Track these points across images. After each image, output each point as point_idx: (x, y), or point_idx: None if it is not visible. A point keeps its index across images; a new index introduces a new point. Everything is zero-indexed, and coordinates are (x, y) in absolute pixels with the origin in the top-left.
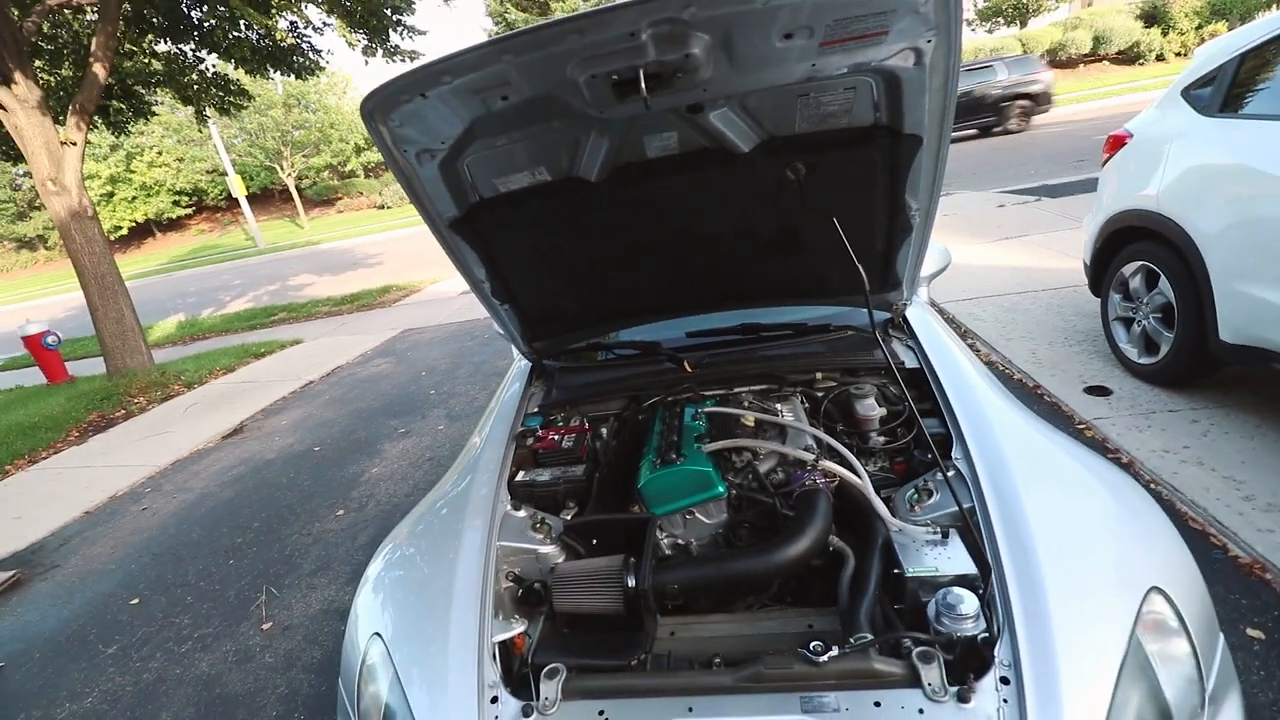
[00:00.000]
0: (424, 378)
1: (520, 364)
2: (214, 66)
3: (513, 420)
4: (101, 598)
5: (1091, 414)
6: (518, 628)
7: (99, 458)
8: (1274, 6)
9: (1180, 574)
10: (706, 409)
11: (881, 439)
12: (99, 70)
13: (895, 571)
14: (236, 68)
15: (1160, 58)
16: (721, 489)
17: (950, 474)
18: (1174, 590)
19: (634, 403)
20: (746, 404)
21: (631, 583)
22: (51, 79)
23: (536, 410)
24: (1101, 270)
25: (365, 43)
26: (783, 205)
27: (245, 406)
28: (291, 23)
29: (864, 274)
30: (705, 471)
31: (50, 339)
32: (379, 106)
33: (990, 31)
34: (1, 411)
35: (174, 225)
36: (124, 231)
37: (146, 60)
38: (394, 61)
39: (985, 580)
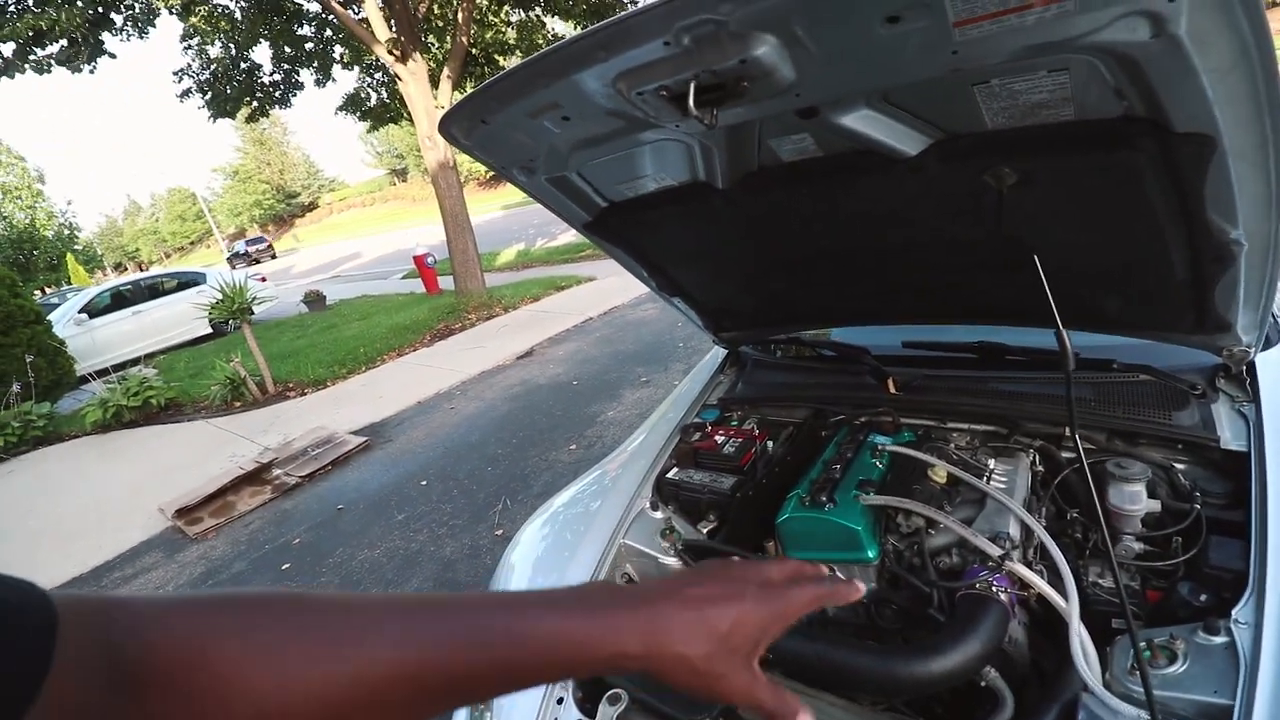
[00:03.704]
0: (679, 329)
1: (718, 347)
2: (553, 31)
3: (689, 407)
4: (406, 474)
5: None
6: None
7: (437, 359)
8: None
9: None
10: (889, 446)
11: (1138, 546)
12: (462, 42)
13: None
14: (575, 26)
15: None
16: (872, 554)
17: (1217, 639)
18: None
19: (820, 415)
20: (953, 449)
21: None
22: (436, 54)
23: (716, 402)
24: None
25: None
26: (983, 216)
27: (538, 333)
28: None
29: (1161, 311)
30: (853, 530)
31: (430, 259)
32: (457, 131)
33: None
34: (396, 311)
35: None
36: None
37: (502, 31)
38: None
39: None
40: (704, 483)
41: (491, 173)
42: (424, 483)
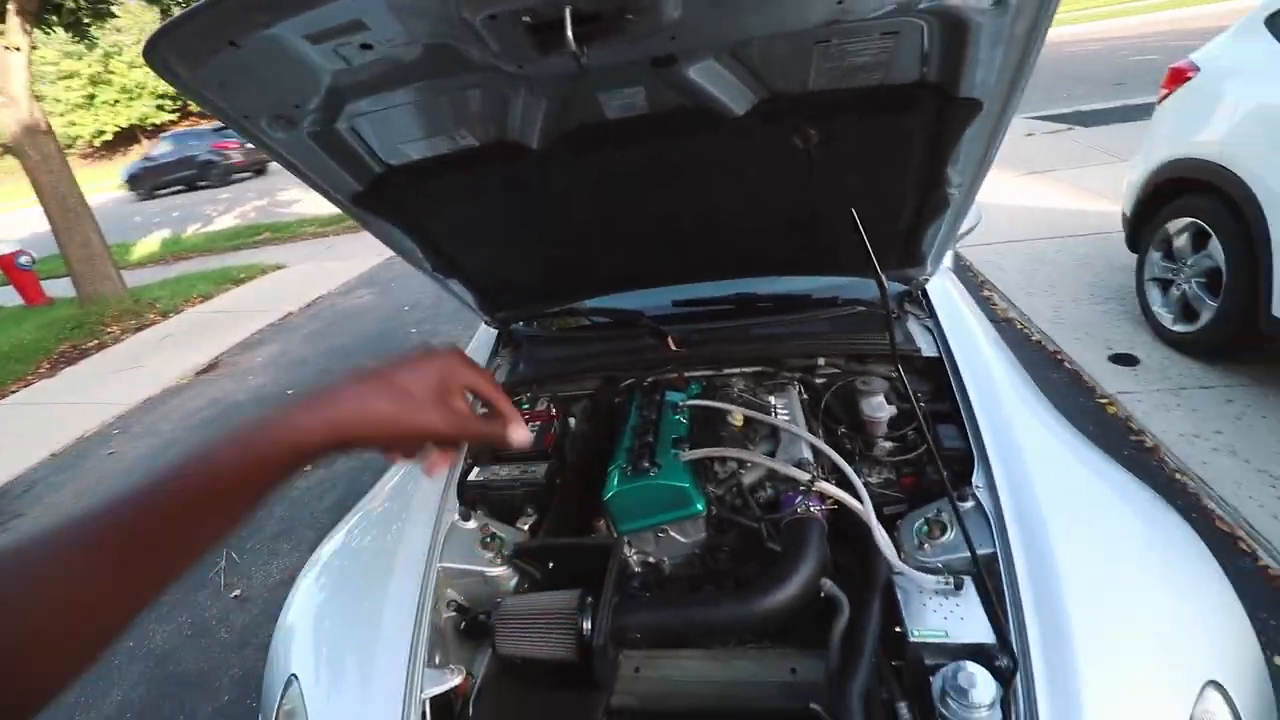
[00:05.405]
0: (406, 314)
1: (485, 329)
2: None
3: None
4: None
5: (1115, 386)
6: (453, 679)
7: (69, 393)
8: None
9: (1242, 661)
10: (688, 402)
11: (889, 444)
12: None
13: (897, 630)
14: None
15: None
16: (700, 506)
17: (968, 505)
18: (1233, 684)
19: (610, 382)
20: (736, 393)
21: (587, 626)
22: None
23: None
24: (1143, 224)
25: None
26: (786, 175)
27: (222, 339)
28: None
29: (879, 251)
30: (681, 487)
31: (23, 259)
32: (177, 60)
33: None
34: None
35: (160, 130)
36: (108, 136)
37: None
38: None
39: (1005, 652)
40: (514, 476)
41: (102, 141)
42: None
